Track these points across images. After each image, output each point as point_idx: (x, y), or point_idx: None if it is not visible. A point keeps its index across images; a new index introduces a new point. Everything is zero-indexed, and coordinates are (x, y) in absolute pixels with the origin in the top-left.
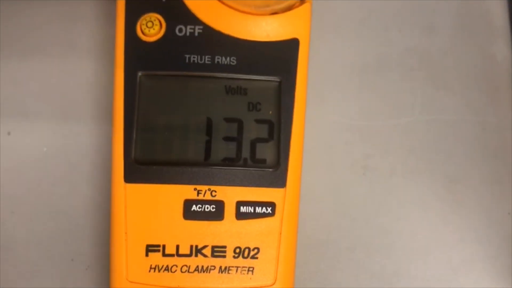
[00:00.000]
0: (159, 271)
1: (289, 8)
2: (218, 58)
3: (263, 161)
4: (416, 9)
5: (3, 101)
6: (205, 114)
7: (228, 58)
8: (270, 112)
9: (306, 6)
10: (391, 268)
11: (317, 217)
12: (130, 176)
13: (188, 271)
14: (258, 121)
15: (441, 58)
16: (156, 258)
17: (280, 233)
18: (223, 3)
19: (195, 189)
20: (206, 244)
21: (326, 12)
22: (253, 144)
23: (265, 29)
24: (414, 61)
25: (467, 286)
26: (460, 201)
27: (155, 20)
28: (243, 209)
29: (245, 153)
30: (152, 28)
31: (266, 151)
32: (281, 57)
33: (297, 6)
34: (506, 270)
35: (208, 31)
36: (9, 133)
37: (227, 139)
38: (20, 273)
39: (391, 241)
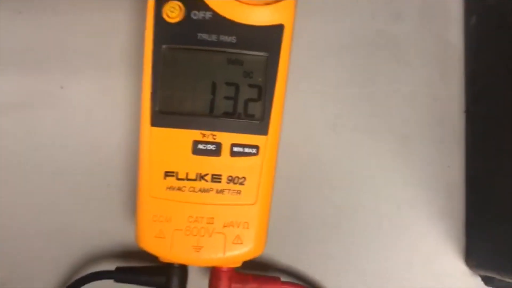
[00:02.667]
0: (173, 190)
1: (278, 0)
2: (222, 37)
3: (252, 115)
4: None
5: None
6: (210, 79)
7: (230, 37)
8: (259, 79)
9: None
10: (350, 202)
11: (292, 160)
12: (155, 122)
13: (194, 191)
14: (250, 86)
15: (404, 40)
16: (171, 181)
17: (262, 168)
18: None
19: (201, 133)
20: (207, 172)
21: (312, 2)
22: (245, 103)
23: (258, 16)
24: (382, 41)
25: (407, 222)
26: (410, 154)
27: (176, 6)
28: (235, 149)
29: (240, 109)
30: (174, 12)
31: (255, 108)
32: (269, 38)
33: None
34: (441, 212)
35: (216, 16)
36: (61, 87)
37: (227, 98)
38: (69, 194)
39: (351, 181)
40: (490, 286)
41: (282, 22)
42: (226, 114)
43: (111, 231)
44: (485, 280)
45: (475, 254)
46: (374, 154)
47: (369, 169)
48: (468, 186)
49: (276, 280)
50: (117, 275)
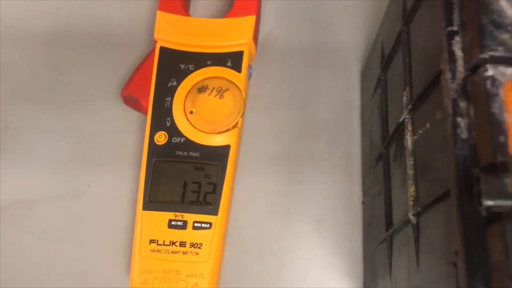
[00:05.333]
0: (154, 252)
1: (227, 130)
2: (191, 153)
3: (209, 203)
4: None
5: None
6: (183, 179)
7: (195, 153)
8: (214, 179)
9: (234, 130)
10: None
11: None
12: (145, 207)
13: (168, 253)
14: (208, 183)
15: (320, 155)
16: (153, 246)
17: (213, 237)
18: (194, 127)
19: (174, 214)
20: (177, 240)
21: (254, 127)
22: (204, 195)
23: (213, 140)
24: (305, 155)
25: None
26: (322, 235)
27: (162, 134)
28: (196, 224)
29: (201, 198)
30: (161, 138)
31: (210, 198)
32: (221, 153)
33: (231, 129)
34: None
35: (187, 140)
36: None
37: (193, 191)
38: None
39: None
40: None
41: (229, 143)
42: (192, 202)
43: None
44: None
45: None
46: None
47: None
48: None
49: None
50: None
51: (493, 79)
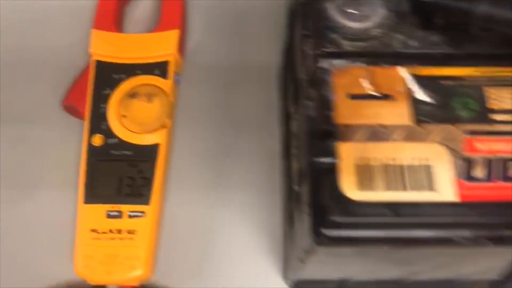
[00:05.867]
0: (95, 239)
1: (156, 130)
2: (124, 152)
3: (142, 194)
4: None
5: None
6: (118, 175)
7: (129, 152)
8: (147, 174)
9: (163, 130)
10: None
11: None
12: (86, 201)
13: (107, 239)
14: (141, 178)
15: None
16: (94, 234)
17: (147, 224)
18: (127, 129)
19: (111, 206)
20: (115, 228)
21: (186, 126)
22: (138, 187)
23: (144, 139)
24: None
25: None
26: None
27: (98, 137)
28: (131, 214)
29: (134, 191)
30: (97, 140)
31: (143, 190)
32: (151, 151)
33: (160, 129)
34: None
35: (121, 141)
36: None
37: (127, 185)
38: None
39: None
40: None
41: (159, 142)
42: (127, 195)
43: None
44: None
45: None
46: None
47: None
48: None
49: None
50: None
51: (323, 68)
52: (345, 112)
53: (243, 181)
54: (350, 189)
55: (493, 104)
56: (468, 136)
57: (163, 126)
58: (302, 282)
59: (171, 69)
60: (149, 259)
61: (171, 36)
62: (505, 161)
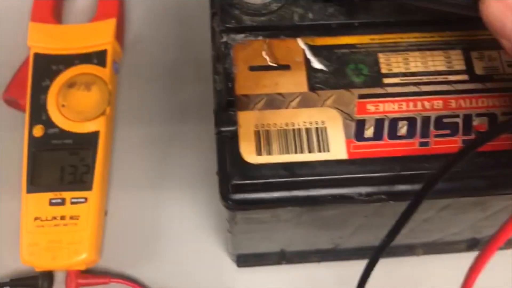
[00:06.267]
0: (39, 227)
1: (96, 117)
2: (65, 140)
3: (85, 181)
4: None
5: None
6: (60, 164)
7: (69, 140)
8: (88, 162)
9: (102, 117)
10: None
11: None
12: (28, 190)
13: (51, 226)
14: (83, 165)
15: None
16: (38, 222)
17: (89, 209)
18: (67, 118)
19: (54, 194)
20: (58, 215)
21: (126, 111)
22: (80, 175)
23: (84, 127)
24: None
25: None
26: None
27: (39, 127)
28: (73, 200)
29: (77, 178)
30: (38, 131)
31: (85, 177)
32: (91, 139)
33: (100, 116)
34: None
35: (61, 130)
36: None
37: (70, 173)
38: None
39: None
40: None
41: (99, 129)
42: (69, 182)
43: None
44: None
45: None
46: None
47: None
48: None
49: (107, 276)
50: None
51: (226, 43)
52: (246, 83)
53: (188, 165)
54: (250, 154)
55: (385, 68)
56: (361, 100)
57: (102, 114)
58: (245, 256)
59: (109, 58)
60: (93, 243)
61: (108, 25)
62: (393, 120)
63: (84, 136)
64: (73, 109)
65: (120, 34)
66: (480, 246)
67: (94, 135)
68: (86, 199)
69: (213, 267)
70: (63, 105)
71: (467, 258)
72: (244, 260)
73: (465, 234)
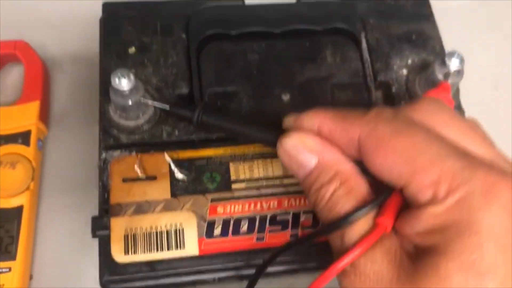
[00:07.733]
0: None
1: (21, 193)
2: None
3: (10, 251)
4: None
5: None
6: None
7: None
8: (12, 233)
9: (27, 192)
10: None
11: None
12: None
13: None
14: (8, 237)
15: None
16: None
17: (13, 278)
18: None
19: None
20: None
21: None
22: (6, 246)
23: (9, 204)
24: None
25: None
26: None
27: None
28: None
29: (2, 248)
30: None
31: (10, 248)
32: (16, 213)
33: (25, 191)
34: None
35: None
36: None
37: None
38: None
39: None
40: None
41: (23, 204)
42: None
43: None
44: None
45: None
46: None
47: None
48: None
49: None
50: None
51: (105, 159)
52: (119, 193)
53: None
54: (119, 254)
55: (234, 175)
56: (212, 203)
57: (27, 189)
58: None
59: (33, 137)
60: None
61: (32, 108)
62: (237, 219)
63: (9, 210)
64: None
65: (44, 113)
66: None
67: (19, 209)
68: (10, 268)
69: None
70: None
71: None
72: None
73: None
